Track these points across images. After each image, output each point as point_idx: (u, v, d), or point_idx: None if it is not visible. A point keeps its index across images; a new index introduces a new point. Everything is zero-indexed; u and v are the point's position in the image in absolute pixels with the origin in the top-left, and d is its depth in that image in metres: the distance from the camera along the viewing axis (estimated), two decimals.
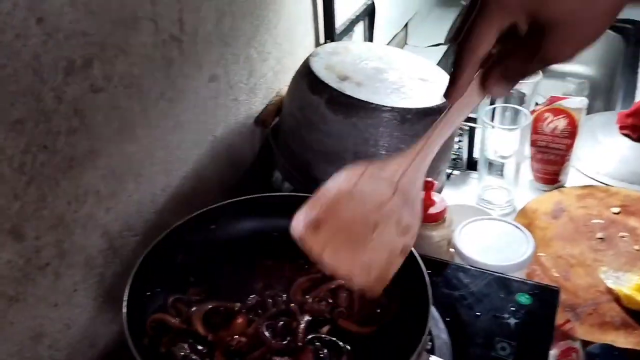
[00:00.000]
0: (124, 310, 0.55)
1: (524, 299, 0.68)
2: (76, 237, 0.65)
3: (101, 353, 0.73)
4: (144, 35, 0.67)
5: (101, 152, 0.65)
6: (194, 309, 0.62)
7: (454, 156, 1.10)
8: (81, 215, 0.65)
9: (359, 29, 1.30)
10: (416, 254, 0.59)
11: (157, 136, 0.74)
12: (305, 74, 0.86)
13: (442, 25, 1.73)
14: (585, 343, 0.73)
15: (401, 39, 1.61)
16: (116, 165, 0.68)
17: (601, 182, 1.06)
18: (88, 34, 0.60)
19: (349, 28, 1.22)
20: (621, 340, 0.76)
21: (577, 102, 0.98)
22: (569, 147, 1.01)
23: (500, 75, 0.45)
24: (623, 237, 0.92)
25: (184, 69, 0.76)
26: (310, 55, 0.89)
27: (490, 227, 0.80)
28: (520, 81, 0.46)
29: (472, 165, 1.10)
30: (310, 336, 0.59)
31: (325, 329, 0.60)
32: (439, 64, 1.54)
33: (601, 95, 1.69)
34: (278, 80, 1.02)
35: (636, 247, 0.90)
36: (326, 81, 0.83)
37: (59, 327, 0.65)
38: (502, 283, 0.71)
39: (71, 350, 0.68)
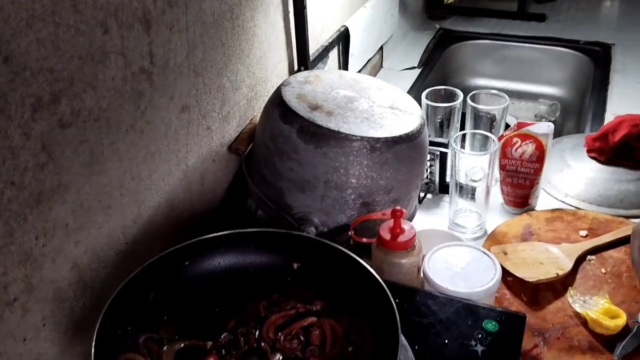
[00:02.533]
0: (93, 350, 0.55)
1: (491, 325, 0.70)
2: (45, 272, 0.65)
3: None
4: (113, 69, 0.68)
5: (70, 185, 0.66)
6: (165, 348, 0.62)
7: (426, 180, 1.12)
8: (50, 249, 0.65)
9: (334, 54, 1.32)
10: (385, 287, 0.60)
11: (127, 167, 0.74)
12: (277, 103, 0.87)
13: (416, 48, 1.76)
14: None
15: (376, 62, 1.63)
16: (85, 198, 0.68)
17: (570, 205, 1.08)
18: (55, 71, 0.60)
19: (322, 54, 1.24)
20: None
21: (544, 128, 1.00)
22: (538, 171, 1.03)
23: None
24: (590, 260, 0.94)
25: (154, 100, 0.76)
26: (282, 85, 0.91)
27: (459, 253, 0.82)
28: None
29: (444, 188, 1.12)
30: None
31: None
32: (412, 86, 1.57)
33: (573, 116, 1.73)
34: (251, 108, 1.03)
35: (603, 270, 0.92)
36: (297, 111, 0.84)
37: None
38: (469, 310, 0.72)
39: None
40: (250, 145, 0.98)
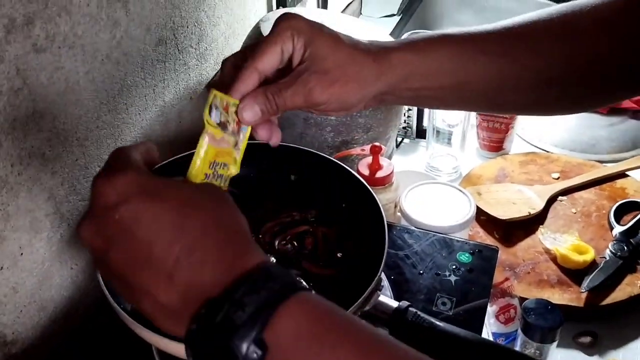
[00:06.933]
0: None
1: (464, 257, 0.71)
2: (21, 200, 0.64)
3: (51, 317, 0.73)
4: None
5: (45, 113, 0.64)
6: None
7: (404, 125, 1.12)
8: (25, 177, 0.64)
9: None
10: (380, 205, 0.62)
11: (103, 99, 0.73)
12: (256, 39, 0.86)
13: None
14: (523, 300, 0.77)
15: (356, 8, 1.61)
16: (61, 127, 0.67)
17: (543, 150, 1.10)
18: None
19: None
20: (557, 297, 0.81)
21: None
22: (513, 116, 1.04)
23: (269, 93, 0.47)
24: (561, 201, 0.97)
25: (130, 30, 0.75)
26: (260, 20, 0.89)
27: (435, 190, 0.83)
28: (283, 110, 0.48)
29: (421, 133, 1.13)
30: None
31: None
32: (391, 34, 1.56)
33: None
34: (229, 46, 1.01)
35: (573, 210, 0.95)
36: None
37: (5, 291, 0.65)
38: (444, 243, 0.74)
39: (19, 314, 0.67)
40: None
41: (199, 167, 0.46)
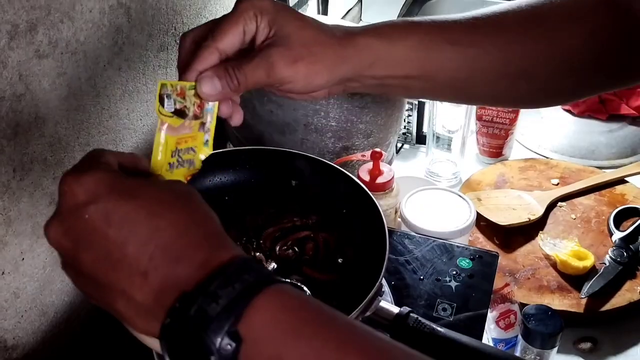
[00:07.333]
0: None
1: (464, 263, 0.72)
2: (23, 205, 0.64)
3: (52, 322, 0.73)
4: (91, 0, 0.67)
5: (47, 119, 0.65)
6: None
7: (404, 130, 1.13)
8: (27, 183, 0.64)
9: (313, 2, 1.30)
10: (381, 210, 0.63)
11: (105, 105, 0.73)
12: None
13: (396, 1, 1.74)
14: (523, 306, 0.77)
15: (356, 14, 1.62)
16: (63, 133, 0.67)
17: (542, 156, 1.11)
18: None
19: (302, 1, 1.22)
20: (557, 302, 0.81)
21: None
22: (513, 121, 1.05)
23: (229, 67, 0.46)
24: (561, 206, 0.97)
25: (132, 36, 0.75)
26: None
27: (435, 196, 0.83)
28: (245, 86, 0.47)
29: (421, 139, 1.13)
30: None
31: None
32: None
33: None
34: None
35: (573, 216, 0.95)
36: None
37: (6, 296, 0.65)
38: (444, 248, 0.74)
39: (20, 319, 0.68)
40: None
41: (161, 159, 0.46)
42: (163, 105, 0.46)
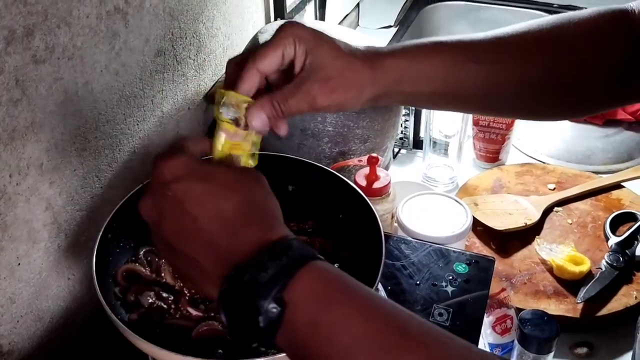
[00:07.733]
0: (94, 260, 0.59)
1: (461, 268, 0.72)
2: (19, 210, 0.64)
3: (47, 328, 0.73)
4: (88, 6, 0.67)
5: (44, 124, 0.65)
6: (163, 260, 0.65)
7: (400, 135, 1.13)
8: (24, 188, 0.64)
9: (310, 7, 1.30)
10: (377, 215, 0.63)
11: (102, 109, 0.73)
12: None
13: (393, 7, 1.75)
14: (520, 311, 0.77)
15: (353, 20, 1.62)
16: (59, 138, 0.67)
17: (539, 160, 1.11)
18: (29, 4, 0.59)
19: (300, 6, 1.22)
20: (553, 307, 0.81)
21: None
22: (509, 126, 1.05)
23: (275, 102, 0.50)
24: (557, 211, 0.97)
25: (129, 41, 0.75)
26: (258, 32, 0.90)
27: (431, 201, 0.83)
28: (288, 115, 0.51)
29: (418, 144, 1.13)
30: None
31: None
32: (389, 45, 1.56)
33: None
34: (227, 58, 1.01)
35: (569, 221, 0.95)
36: None
37: (2, 301, 0.65)
38: (441, 253, 0.74)
39: (15, 324, 0.67)
40: None
41: (220, 151, 0.50)
42: (222, 112, 0.50)
